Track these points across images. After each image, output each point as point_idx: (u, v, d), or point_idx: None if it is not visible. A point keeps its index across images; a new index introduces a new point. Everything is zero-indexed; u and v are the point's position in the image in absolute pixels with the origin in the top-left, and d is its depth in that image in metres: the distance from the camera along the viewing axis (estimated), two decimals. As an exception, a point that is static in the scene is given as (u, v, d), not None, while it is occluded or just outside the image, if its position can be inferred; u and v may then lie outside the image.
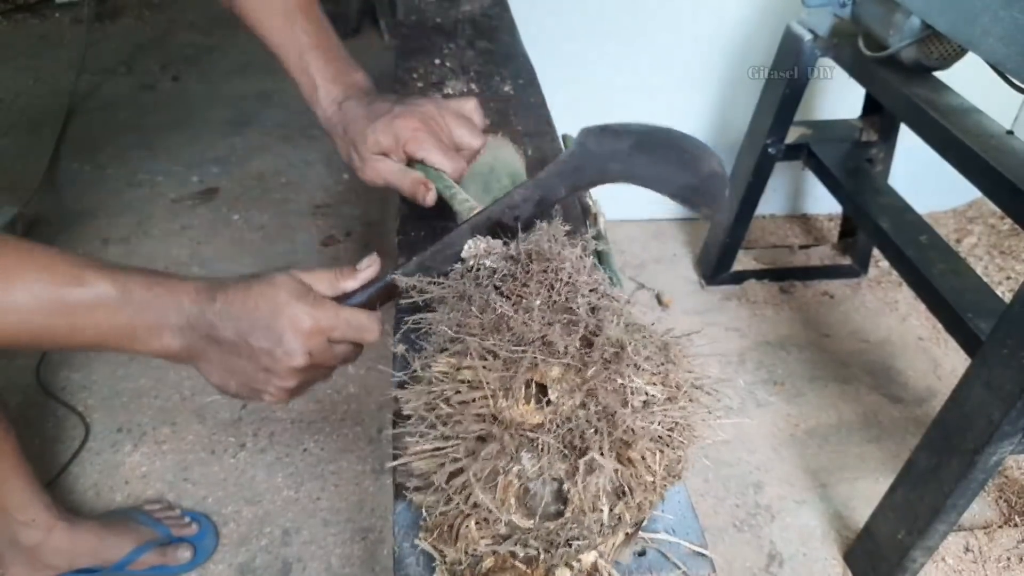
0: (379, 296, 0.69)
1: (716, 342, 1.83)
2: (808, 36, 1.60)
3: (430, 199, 0.79)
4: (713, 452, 1.56)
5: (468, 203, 0.76)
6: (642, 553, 0.64)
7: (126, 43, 3.17)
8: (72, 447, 1.50)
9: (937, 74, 1.40)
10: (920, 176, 1.90)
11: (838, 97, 1.98)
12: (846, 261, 2.04)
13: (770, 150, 1.76)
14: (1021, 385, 1.01)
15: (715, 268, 1.99)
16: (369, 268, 0.69)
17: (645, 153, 0.74)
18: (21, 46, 3.13)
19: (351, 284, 0.68)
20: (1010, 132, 1.23)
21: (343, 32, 3.32)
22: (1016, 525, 1.43)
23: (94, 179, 2.32)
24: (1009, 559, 1.37)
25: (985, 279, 1.40)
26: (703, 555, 0.64)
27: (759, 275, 2.01)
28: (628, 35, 1.88)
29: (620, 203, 2.19)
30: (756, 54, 1.88)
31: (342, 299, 0.68)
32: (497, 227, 0.71)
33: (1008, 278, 2.02)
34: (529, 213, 0.72)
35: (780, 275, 2.02)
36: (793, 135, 1.77)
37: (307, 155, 2.46)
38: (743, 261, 2.01)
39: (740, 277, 2.00)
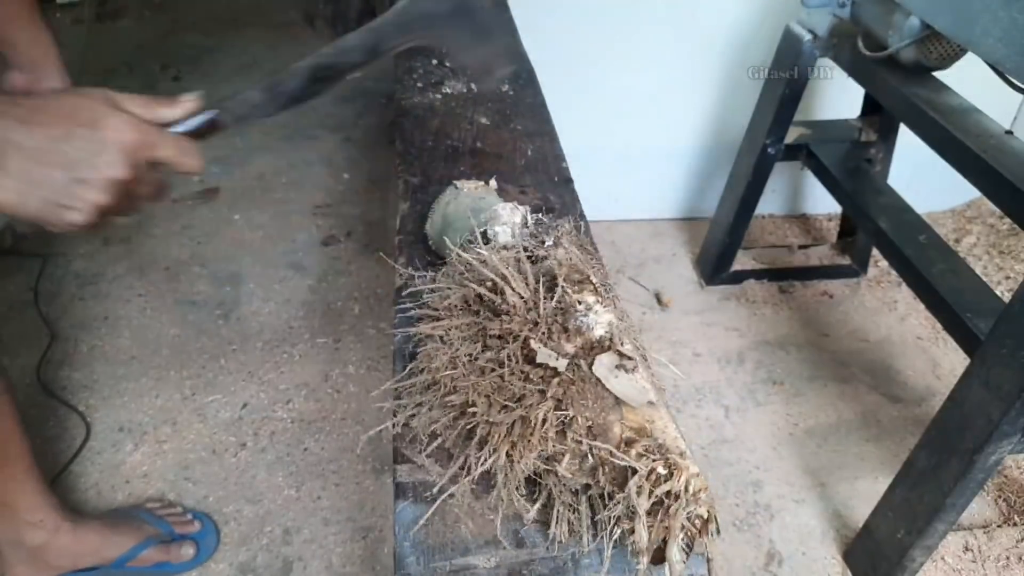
0: (199, 131, 0.67)
1: (715, 342, 1.84)
2: (807, 36, 1.60)
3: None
4: (712, 451, 1.56)
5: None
6: None
7: (126, 43, 3.17)
8: (73, 446, 1.50)
9: (936, 74, 1.40)
10: (919, 176, 1.91)
11: (837, 97, 1.98)
12: (845, 261, 2.04)
13: (769, 150, 1.76)
14: (1020, 385, 1.01)
15: (714, 268, 1.99)
16: (190, 102, 0.66)
17: (461, 18, 0.75)
18: (21, 46, 3.13)
19: (169, 112, 0.64)
20: (1009, 132, 1.23)
21: (343, 33, 3.32)
22: (1015, 524, 1.43)
23: (94, 179, 2.32)
24: (1008, 558, 1.37)
25: (984, 279, 1.40)
26: (700, 554, 0.64)
27: (758, 275, 2.01)
28: (628, 35, 1.88)
29: (620, 203, 2.19)
30: (756, 54, 1.88)
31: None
32: (332, 70, 0.75)
33: (1007, 278, 2.02)
34: (361, 59, 0.75)
35: (779, 275, 2.02)
36: (792, 135, 1.77)
37: (307, 155, 2.46)
38: (742, 261, 2.01)
39: (739, 277, 2.01)
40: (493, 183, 0.98)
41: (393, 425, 0.71)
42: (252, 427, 1.56)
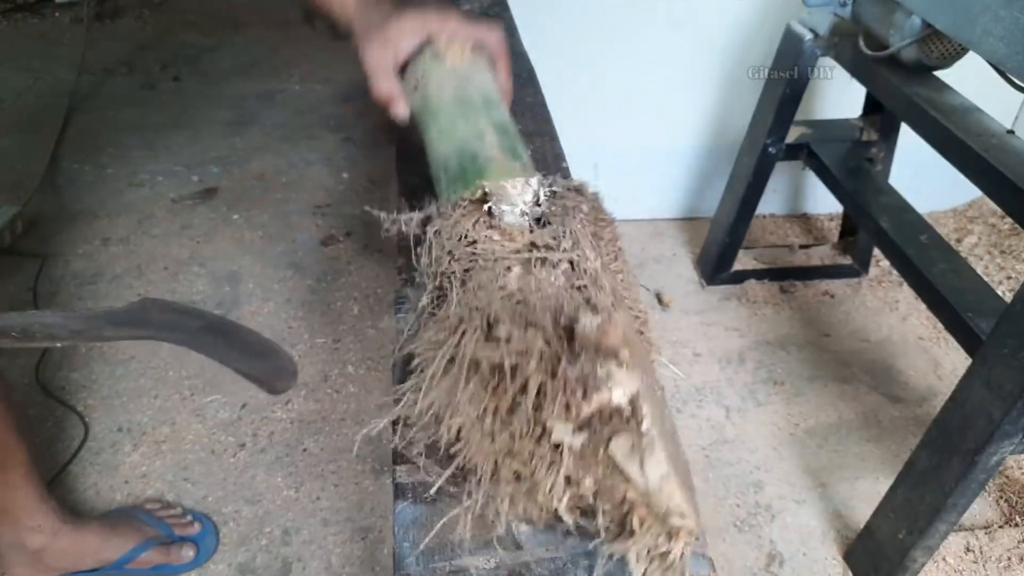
0: None
1: (716, 342, 1.83)
2: (808, 36, 1.59)
3: (402, 112, 0.80)
4: (713, 452, 1.56)
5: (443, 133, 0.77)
6: None
7: (126, 43, 3.17)
8: (72, 447, 1.50)
9: (938, 73, 1.40)
10: (920, 175, 1.90)
11: (838, 97, 1.98)
12: (846, 261, 2.04)
13: (770, 150, 1.76)
14: (1022, 384, 1.01)
15: (715, 268, 1.98)
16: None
17: (215, 335, 0.69)
18: (21, 46, 3.13)
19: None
20: (1011, 131, 1.23)
21: (343, 32, 3.32)
22: (1017, 525, 1.43)
23: (94, 179, 2.32)
24: (1010, 559, 1.37)
25: (985, 278, 1.40)
26: (702, 555, 0.64)
27: (759, 275, 2.01)
28: (628, 35, 1.88)
29: (620, 203, 2.19)
30: (756, 54, 1.88)
31: None
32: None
33: (1008, 277, 2.02)
34: (67, 339, 0.65)
35: (780, 275, 2.02)
36: (793, 135, 1.77)
37: (307, 155, 2.46)
38: (743, 261, 2.01)
39: (740, 277, 2.00)
40: (484, 49, 0.87)
41: (394, 428, 0.70)
42: (251, 427, 1.56)
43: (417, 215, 0.73)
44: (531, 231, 0.68)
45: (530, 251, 0.65)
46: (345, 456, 1.51)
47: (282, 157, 2.45)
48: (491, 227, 0.68)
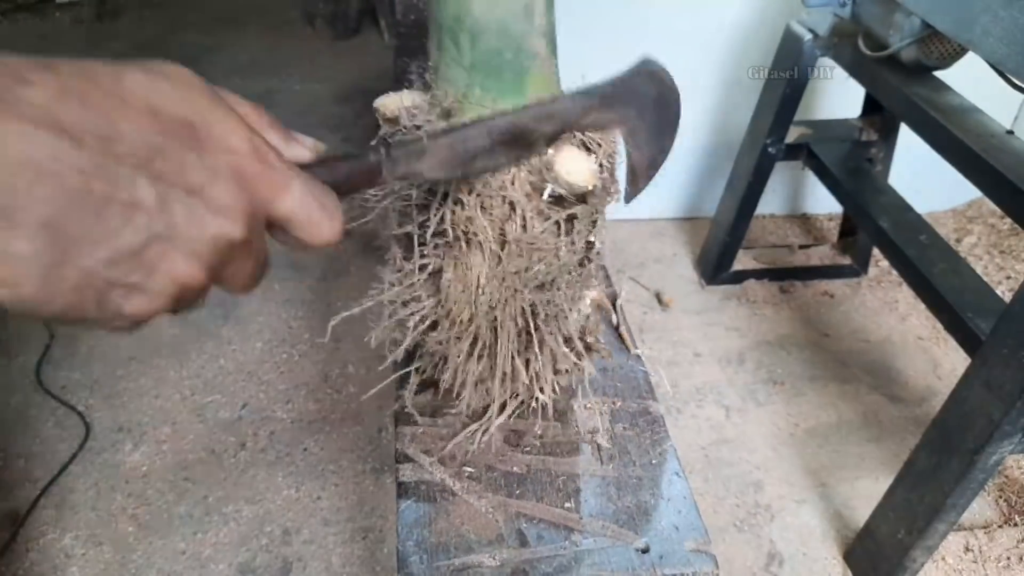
0: (344, 181, 0.42)
1: (716, 342, 1.83)
2: (808, 36, 1.59)
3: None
4: (713, 452, 1.56)
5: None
6: (645, 550, 0.64)
7: (126, 43, 3.17)
8: (72, 446, 1.50)
9: (937, 73, 1.40)
10: (920, 176, 1.90)
11: (838, 97, 1.98)
12: (846, 261, 2.04)
13: (770, 150, 1.76)
14: (1021, 385, 1.01)
15: (715, 268, 1.98)
16: (316, 143, 0.42)
17: (656, 110, 0.60)
18: (21, 46, 3.12)
19: (299, 149, 0.40)
20: (1010, 132, 1.23)
21: (343, 32, 3.33)
22: (1016, 525, 1.43)
23: (94, 179, 2.32)
24: (1009, 559, 1.37)
25: (985, 279, 1.40)
26: (706, 552, 0.64)
27: (759, 275, 2.01)
28: (628, 35, 1.88)
29: (620, 202, 2.19)
30: (756, 54, 1.88)
31: None
32: (523, 137, 0.53)
33: (1008, 277, 2.02)
34: (553, 131, 0.56)
35: (780, 275, 2.02)
36: (793, 135, 1.77)
37: (307, 155, 2.46)
38: (743, 261, 2.01)
39: (740, 277, 2.00)
40: None
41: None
42: (251, 427, 1.56)
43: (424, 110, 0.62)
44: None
45: None
46: (346, 456, 1.51)
47: (282, 157, 2.45)
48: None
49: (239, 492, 1.44)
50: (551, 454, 0.74)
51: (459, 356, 0.68)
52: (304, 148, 0.40)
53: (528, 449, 0.74)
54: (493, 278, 0.62)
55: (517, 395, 0.71)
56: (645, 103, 0.60)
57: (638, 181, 0.61)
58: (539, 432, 0.75)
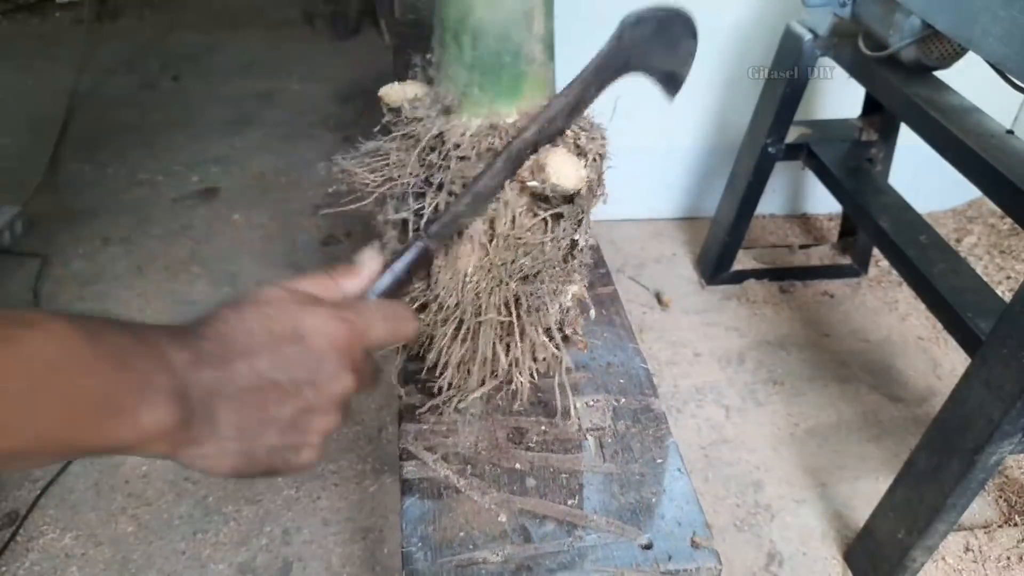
0: (406, 275, 0.56)
1: (716, 342, 1.83)
2: (808, 36, 1.60)
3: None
4: (713, 452, 1.56)
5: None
6: (648, 546, 0.64)
7: (126, 43, 3.17)
8: (72, 447, 1.50)
9: (937, 73, 1.40)
10: (920, 175, 1.90)
11: (838, 97, 1.98)
12: (846, 261, 2.04)
13: (770, 150, 1.76)
14: (1021, 385, 1.01)
15: (715, 268, 1.99)
16: (371, 261, 0.54)
17: (657, 39, 0.68)
18: (21, 46, 3.13)
19: (353, 283, 0.52)
20: (1010, 131, 1.23)
21: (343, 32, 3.33)
22: (1016, 524, 1.43)
23: (95, 178, 2.32)
24: (1009, 558, 1.37)
25: (985, 279, 1.40)
26: (708, 548, 0.64)
27: (759, 275, 2.01)
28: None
29: (620, 203, 2.19)
30: (756, 54, 1.88)
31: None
32: (522, 158, 0.63)
33: (1008, 277, 2.02)
34: (563, 125, 0.64)
35: (780, 275, 2.02)
36: (793, 135, 1.77)
37: (307, 155, 2.46)
38: (743, 261, 2.01)
39: (740, 277, 2.00)
40: None
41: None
42: (252, 427, 1.56)
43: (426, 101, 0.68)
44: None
45: None
46: (346, 456, 1.51)
47: (282, 157, 2.45)
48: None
49: (239, 492, 1.44)
50: (554, 451, 0.74)
51: (444, 338, 0.70)
52: (368, 269, 0.54)
53: (531, 446, 0.74)
54: (480, 268, 0.65)
55: (495, 373, 0.73)
56: (646, 41, 0.67)
57: (675, 83, 0.71)
58: (543, 429, 0.76)
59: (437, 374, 0.73)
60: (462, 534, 0.65)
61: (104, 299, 1.85)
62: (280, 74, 2.91)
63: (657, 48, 0.68)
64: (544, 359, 0.73)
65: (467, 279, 0.66)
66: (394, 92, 0.68)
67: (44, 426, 0.35)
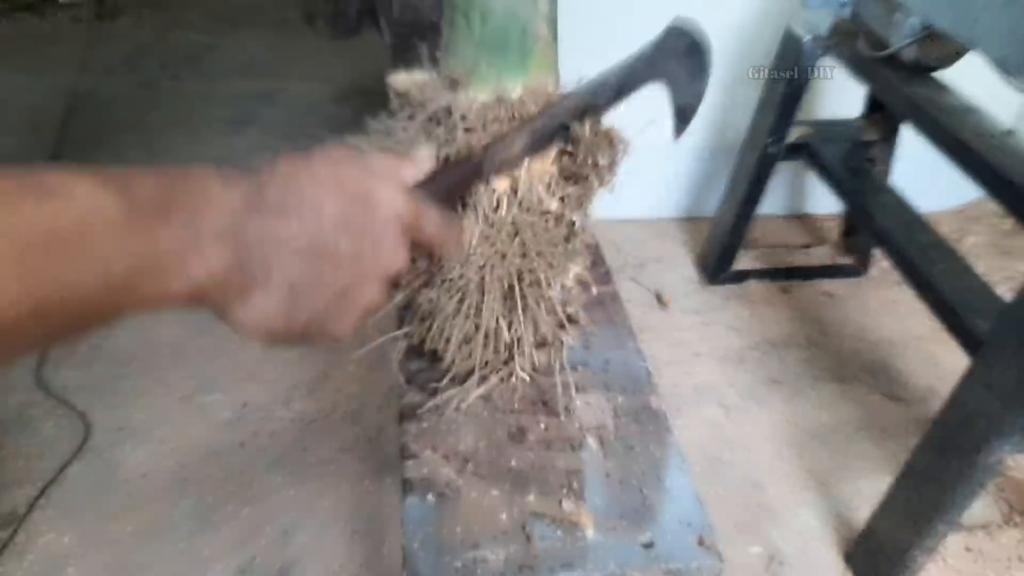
0: (455, 185, 0.58)
1: (716, 342, 1.83)
2: (809, 36, 1.59)
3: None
4: (713, 452, 1.56)
5: None
6: (650, 545, 0.64)
7: (126, 43, 3.17)
8: (72, 446, 1.50)
9: (937, 73, 1.40)
10: (921, 175, 1.90)
11: (839, 97, 1.98)
12: (847, 261, 2.04)
13: (771, 149, 1.76)
14: (1021, 385, 1.01)
15: (715, 267, 1.98)
16: (426, 158, 0.54)
17: (687, 59, 0.72)
18: (21, 46, 3.13)
19: (412, 171, 0.52)
20: (1011, 131, 1.23)
21: (343, 32, 3.32)
22: (1017, 525, 1.43)
23: (94, 179, 2.31)
24: (1010, 559, 1.37)
25: (986, 279, 1.40)
26: (711, 547, 0.64)
27: (760, 275, 2.01)
28: (629, 35, 1.87)
29: (621, 203, 2.19)
30: (757, 54, 1.88)
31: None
32: (588, 111, 0.67)
33: (1009, 278, 2.02)
34: (611, 98, 0.69)
35: (781, 275, 2.02)
36: (794, 134, 1.77)
37: (307, 155, 2.46)
38: (744, 261, 2.01)
39: (741, 276, 2.00)
40: None
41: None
42: (251, 427, 1.56)
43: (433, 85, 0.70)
44: None
45: None
46: (346, 456, 1.51)
47: (282, 157, 2.44)
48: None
49: (239, 492, 1.44)
50: (555, 450, 0.74)
51: (447, 312, 0.70)
52: (425, 160, 0.54)
53: (532, 445, 0.74)
54: (484, 240, 0.66)
55: (499, 353, 0.74)
56: (679, 56, 0.71)
57: (684, 118, 0.73)
58: (543, 427, 0.76)
59: (440, 359, 0.73)
60: (464, 534, 0.64)
61: (104, 299, 1.85)
62: (280, 74, 2.91)
63: (684, 68, 0.71)
64: (545, 344, 0.74)
65: (471, 250, 0.66)
66: (401, 79, 0.71)
67: (80, 294, 0.33)
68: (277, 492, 1.44)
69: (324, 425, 1.57)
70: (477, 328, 0.71)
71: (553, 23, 0.70)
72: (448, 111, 0.65)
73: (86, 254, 0.33)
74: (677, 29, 0.70)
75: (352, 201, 0.42)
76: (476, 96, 0.66)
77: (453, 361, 0.73)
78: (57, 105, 2.59)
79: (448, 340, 0.72)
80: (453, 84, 0.67)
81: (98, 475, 1.46)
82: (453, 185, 0.57)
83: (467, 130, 0.64)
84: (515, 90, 0.66)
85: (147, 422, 1.56)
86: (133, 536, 1.36)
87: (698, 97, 0.72)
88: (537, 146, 0.63)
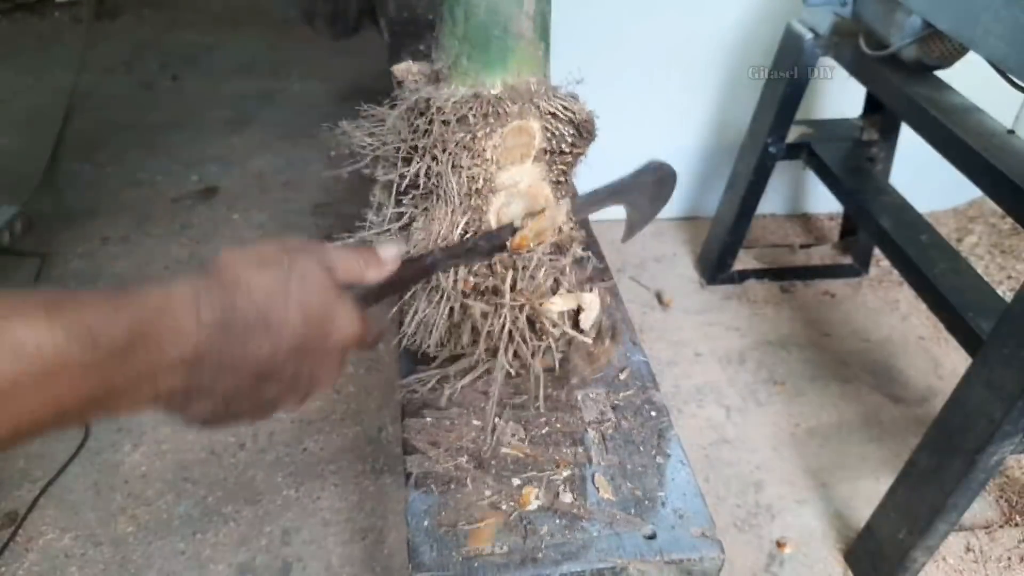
0: (414, 277, 0.68)
1: (717, 342, 1.83)
2: (809, 35, 1.59)
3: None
4: (714, 452, 1.56)
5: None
6: (652, 537, 0.65)
7: (126, 43, 3.17)
8: (72, 447, 1.50)
9: (938, 73, 1.40)
10: (921, 175, 1.90)
11: (839, 96, 1.98)
12: (847, 260, 2.04)
13: (771, 149, 1.76)
14: (1022, 385, 1.01)
15: (716, 267, 1.98)
16: (391, 261, 0.57)
17: (653, 187, 0.86)
18: (21, 46, 3.13)
19: (374, 272, 0.55)
20: (1011, 131, 1.23)
21: (343, 31, 3.32)
22: (1017, 525, 1.42)
23: (94, 178, 2.31)
24: (1010, 559, 1.37)
25: (986, 278, 1.40)
26: (712, 538, 0.65)
27: (760, 274, 2.01)
28: (629, 35, 1.87)
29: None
30: (757, 53, 1.88)
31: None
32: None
33: (1009, 277, 2.02)
34: (585, 211, 0.84)
35: (781, 274, 2.02)
36: (794, 134, 1.77)
37: (307, 154, 2.46)
38: (744, 260, 2.01)
39: (741, 276, 2.00)
40: None
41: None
42: (251, 427, 1.55)
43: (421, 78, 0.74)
44: None
45: None
46: (345, 456, 1.51)
47: (282, 156, 2.45)
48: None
49: (239, 492, 1.44)
50: (557, 444, 0.74)
51: (437, 313, 0.73)
52: (388, 261, 0.57)
53: (534, 439, 0.74)
54: (453, 230, 0.69)
55: (489, 334, 0.75)
56: (645, 187, 0.86)
57: (633, 231, 0.90)
58: (544, 421, 0.76)
59: (433, 347, 0.75)
60: (466, 526, 0.65)
61: (104, 299, 1.85)
62: (280, 74, 2.90)
63: (646, 197, 0.87)
64: (544, 329, 0.75)
65: (439, 240, 0.69)
66: (401, 68, 0.75)
67: (33, 421, 0.37)
68: (277, 492, 1.44)
69: (324, 425, 1.56)
70: (472, 328, 0.73)
71: (541, 23, 0.71)
72: (428, 103, 0.67)
73: (43, 397, 0.36)
74: (653, 166, 0.84)
75: (310, 328, 0.46)
76: (456, 90, 0.67)
77: (447, 358, 0.74)
78: (56, 105, 2.59)
79: (443, 343, 0.73)
80: (436, 77, 0.70)
81: (98, 475, 1.46)
82: (405, 282, 0.66)
83: (443, 122, 0.66)
84: (494, 86, 0.68)
85: (147, 422, 1.56)
86: (133, 536, 1.36)
87: (652, 218, 0.89)
88: (482, 259, 0.71)
